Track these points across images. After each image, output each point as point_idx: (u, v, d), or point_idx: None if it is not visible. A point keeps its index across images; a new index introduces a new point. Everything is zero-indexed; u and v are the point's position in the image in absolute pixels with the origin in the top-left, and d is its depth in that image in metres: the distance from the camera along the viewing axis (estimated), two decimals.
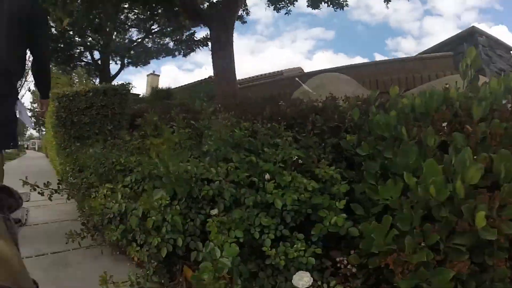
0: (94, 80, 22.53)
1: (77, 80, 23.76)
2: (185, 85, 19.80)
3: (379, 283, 1.56)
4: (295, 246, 1.61)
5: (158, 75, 27.25)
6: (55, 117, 5.47)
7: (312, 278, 1.51)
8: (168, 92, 13.31)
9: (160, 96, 12.10)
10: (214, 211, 1.90)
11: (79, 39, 13.99)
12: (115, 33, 14.68)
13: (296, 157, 1.98)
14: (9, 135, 2.42)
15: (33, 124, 4.55)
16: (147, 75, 26.21)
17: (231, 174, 1.95)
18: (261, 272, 1.69)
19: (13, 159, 15.83)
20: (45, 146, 16.15)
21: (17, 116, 2.50)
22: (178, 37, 13.98)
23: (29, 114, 3.02)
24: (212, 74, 17.97)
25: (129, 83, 6.33)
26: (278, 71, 18.69)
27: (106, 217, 2.50)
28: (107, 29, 13.61)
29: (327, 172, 1.83)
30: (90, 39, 14.35)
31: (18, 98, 2.51)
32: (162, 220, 1.93)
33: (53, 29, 11.33)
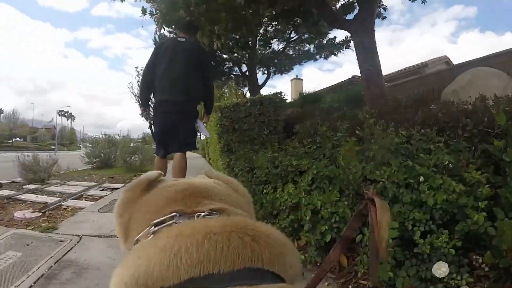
0: (242, 90, 24.67)
1: (226, 91, 26.35)
2: (328, 87, 20.15)
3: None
4: (439, 238, 1.82)
5: (301, 79, 28.31)
6: (219, 125, 6.37)
7: (449, 270, 1.72)
8: (315, 96, 13.84)
9: (307, 101, 12.68)
10: None
11: (227, 56, 15.62)
12: (257, 46, 15.86)
13: (447, 162, 2.17)
14: (192, 142, 4.10)
15: (208, 133, 5.59)
16: (291, 80, 27.47)
17: (392, 176, 2.26)
18: (407, 261, 1.94)
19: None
20: (202, 149, 19.10)
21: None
22: (318, 42, 14.47)
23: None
24: (355, 74, 18.16)
25: (281, 92, 6.94)
26: (422, 63, 17.59)
27: (278, 209, 3.08)
28: (250, 44, 14.82)
29: (474, 177, 1.96)
30: (235, 55, 15.82)
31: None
32: (331, 212, 2.38)
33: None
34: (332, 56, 15.03)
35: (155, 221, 0.63)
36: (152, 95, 4.19)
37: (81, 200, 5.02)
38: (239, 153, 5.06)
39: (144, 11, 8.79)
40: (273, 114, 6.34)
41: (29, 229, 3.37)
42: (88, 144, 12.39)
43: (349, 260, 2.36)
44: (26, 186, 6.09)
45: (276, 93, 6.74)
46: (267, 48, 16.48)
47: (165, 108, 3.86)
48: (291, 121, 6.89)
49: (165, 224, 0.62)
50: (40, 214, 3.98)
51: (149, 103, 4.26)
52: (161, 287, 0.50)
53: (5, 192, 5.30)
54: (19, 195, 5.07)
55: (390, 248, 1.93)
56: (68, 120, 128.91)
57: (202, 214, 0.64)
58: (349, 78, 18.71)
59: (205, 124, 4.34)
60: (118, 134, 12.47)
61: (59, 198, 4.81)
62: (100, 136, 11.95)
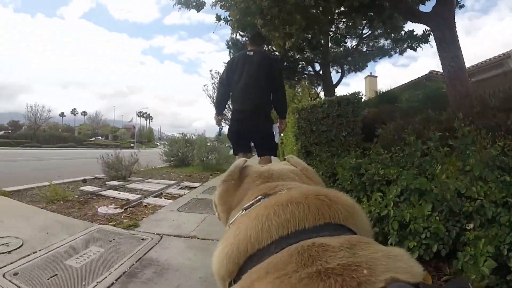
0: (316, 89, 24.28)
1: (299, 90, 26.10)
2: (405, 83, 19.37)
3: None
4: None
5: (376, 76, 27.28)
6: (296, 127, 6.30)
7: None
8: (391, 94, 13.16)
9: (383, 100, 12.07)
10: (470, 226, 2.00)
11: (299, 56, 15.36)
12: (329, 44, 15.39)
13: None
14: (272, 147, 4.23)
15: (278, 139, 5.63)
16: (365, 78, 26.56)
17: (490, 193, 2.00)
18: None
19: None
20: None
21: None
22: (394, 36, 13.62)
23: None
24: (432, 69, 17.07)
25: (359, 92, 6.63)
26: (504, 54, 15.72)
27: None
28: (322, 42, 14.41)
29: None
30: (307, 54, 15.51)
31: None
32: (423, 227, 2.12)
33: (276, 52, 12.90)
34: (408, 50, 14.17)
35: (245, 205, 0.75)
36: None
37: (161, 198, 5.10)
38: (320, 157, 4.77)
39: (218, 18, 8.91)
40: (351, 115, 6.15)
41: (111, 225, 3.44)
42: (165, 143, 12.83)
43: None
44: (108, 182, 6.38)
45: (354, 93, 6.46)
46: (340, 46, 15.92)
47: (237, 116, 4.24)
48: (368, 122, 6.66)
49: (253, 206, 0.73)
50: (122, 210, 4.08)
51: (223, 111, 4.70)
52: (258, 248, 0.60)
53: (89, 188, 5.56)
54: (102, 191, 5.28)
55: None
56: (146, 120, 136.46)
57: (283, 192, 0.73)
58: (426, 74, 17.91)
59: (277, 130, 4.39)
60: (194, 133, 12.80)
61: (140, 196, 4.92)
62: (178, 135, 12.33)
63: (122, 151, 7.36)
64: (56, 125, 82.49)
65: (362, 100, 13.20)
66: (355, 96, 6.41)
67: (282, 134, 5.57)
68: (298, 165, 1.00)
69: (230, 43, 16.48)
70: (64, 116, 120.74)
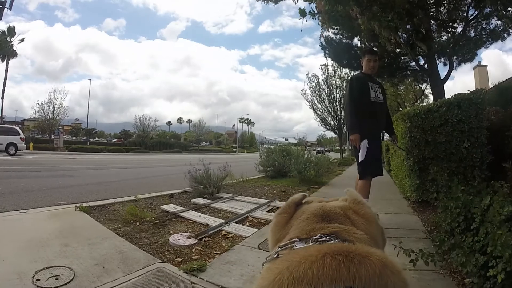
0: (420, 86, 22.10)
1: (402, 88, 24.06)
2: None
3: None
4: None
5: (486, 66, 23.83)
6: (408, 138, 5.16)
7: None
8: None
9: (507, 95, 10.06)
10: None
11: (400, 51, 13.78)
12: (433, 34, 13.49)
13: None
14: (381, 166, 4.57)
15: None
16: (473, 68, 23.25)
17: None
18: None
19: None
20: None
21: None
22: (508, 12, 11.16)
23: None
24: None
25: (483, 89, 5.30)
26: None
27: None
28: (424, 32, 12.60)
29: None
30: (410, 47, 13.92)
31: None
32: None
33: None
34: None
35: (281, 244, 0.78)
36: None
37: (245, 224, 4.49)
38: (452, 194, 3.50)
39: (302, 13, 7.82)
40: (474, 121, 4.84)
41: (176, 262, 2.94)
42: (262, 150, 12.38)
43: None
44: (194, 200, 5.98)
45: (478, 91, 5.15)
46: (448, 32, 13.82)
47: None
48: (493, 128, 5.12)
49: (286, 247, 0.75)
50: (196, 241, 3.54)
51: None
52: None
53: (170, 207, 5.20)
54: (183, 212, 4.85)
55: None
56: (248, 125, 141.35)
57: (314, 238, 0.74)
58: None
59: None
60: (295, 137, 12.21)
61: (220, 221, 4.33)
62: (279, 140, 11.83)
63: (211, 166, 6.88)
64: (163, 133, 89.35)
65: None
66: (479, 94, 5.03)
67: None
68: (349, 197, 0.96)
69: (323, 43, 15.53)
70: (171, 124, 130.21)
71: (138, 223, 4.13)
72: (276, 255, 0.74)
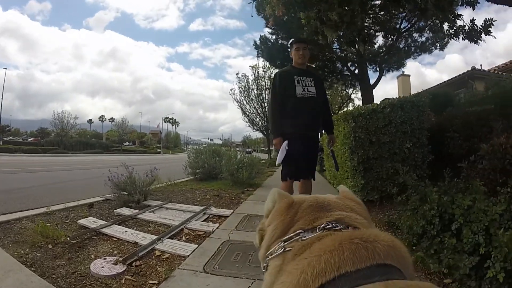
0: (347, 91, 22.87)
1: (328, 92, 24.70)
2: (443, 82, 18.19)
3: None
4: None
5: (409, 76, 25.57)
6: (353, 138, 5.11)
7: None
8: (446, 94, 11.53)
9: (436, 101, 10.53)
10: None
11: (339, 54, 14.10)
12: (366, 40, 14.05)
13: None
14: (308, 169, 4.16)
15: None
16: (397, 77, 24.89)
17: None
18: None
19: None
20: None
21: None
22: (447, 28, 11.89)
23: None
24: (474, 65, 15.70)
25: (422, 91, 5.41)
26: None
27: None
28: (357, 39, 12.99)
29: None
30: (342, 53, 14.30)
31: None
32: None
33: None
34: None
35: (285, 238, 0.75)
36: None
37: (180, 238, 3.85)
38: (419, 190, 3.40)
39: None
40: (416, 122, 5.08)
41: None
42: (190, 151, 11.73)
43: None
44: (117, 210, 5.15)
45: (419, 94, 5.30)
46: (373, 42, 14.47)
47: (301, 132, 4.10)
48: (434, 129, 5.51)
49: (292, 240, 0.73)
50: (124, 267, 2.82)
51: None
52: None
53: (90, 221, 4.34)
54: (104, 227, 4.05)
55: None
56: (172, 125, 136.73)
57: (321, 226, 0.73)
58: (468, 71, 16.68)
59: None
60: (220, 138, 11.74)
61: (151, 238, 3.64)
62: (204, 141, 11.25)
63: (135, 169, 6.06)
64: (84, 132, 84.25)
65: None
66: (420, 97, 5.33)
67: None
68: (341, 189, 0.97)
69: (257, 42, 15.29)
70: (92, 122, 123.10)
71: (50, 246, 3.30)
72: (282, 249, 0.73)
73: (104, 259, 2.99)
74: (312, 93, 4.06)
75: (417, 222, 3.01)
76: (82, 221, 4.30)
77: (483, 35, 6.71)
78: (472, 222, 2.32)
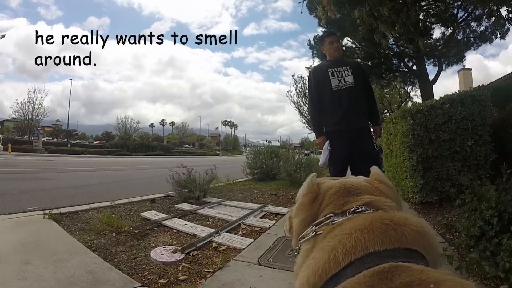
0: (406, 88, 22.07)
1: (387, 91, 23.98)
2: (508, 74, 16.35)
3: None
4: None
5: (470, 69, 24.02)
6: (411, 136, 4.89)
7: None
8: (508, 88, 10.78)
9: (500, 96, 9.94)
10: None
11: (395, 49, 13.60)
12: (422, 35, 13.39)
13: None
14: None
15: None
16: (458, 72, 23.43)
17: None
18: None
19: None
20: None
21: None
22: (499, 14, 11.00)
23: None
24: None
25: (483, 85, 5.11)
26: None
27: None
28: (414, 33, 12.46)
29: None
30: (397, 49, 13.77)
31: None
32: None
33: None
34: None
35: (316, 222, 0.78)
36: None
37: (237, 233, 3.99)
38: (476, 189, 3.23)
39: None
40: (478, 118, 4.69)
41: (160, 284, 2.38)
42: (249, 151, 11.96)
43: None
44: (178, 205, 5.45)
45: (480, 88, 5.02)
46: (430, 36, 13.74)
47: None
48: (496, 125, 5.04)
49: (323, 223, 0.76)
50: (182, 256, 3.01)
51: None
52: (327, 279, 0.63)
53: (152, 214, 4.65)
54: (166, 219, 4.32)
55: None
56: (231, 128, 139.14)
57: (351, 210, 0.75)
58: None
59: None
60: (278, 140, 11.81)
61: (210, 231, 3.84)
62: (262, 143, 11.41)
63: (195, 169, 6.33)
64: (146, 135, 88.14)
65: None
66: (482, 91, 4.91)
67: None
68: (373, 170, 0.96)
69: (312, 42, 15.19)
70: (154, 126, 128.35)
71: (114, 234, 3.60)
72: (313, 233, 0.76)
73: (164, 247, 3.21)
74: (349, 83, 3.74)
75: (474, 223, 2.82)
76: (145, 214, 4.62)
77: None
78: None
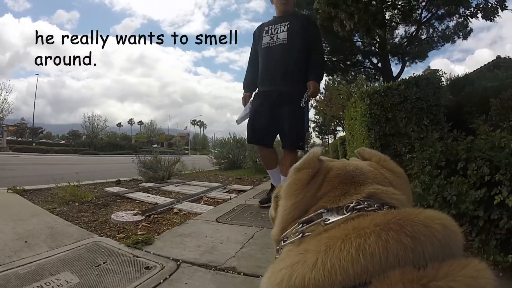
0: (371, 84, 22.63)
1: (352, 86, 24.51)
2: (468, 73, 17.25)
3: None
4: None
5: (436, 70, 25.04)
6: (369, 115, 5.14)
7: None
8: (468, 80, 11.36)
9: (458, 88, 10.47)
10: None
11: (360, 46, 14.02)
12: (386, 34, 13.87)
13: None
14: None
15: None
16: (423, 72, 24.44)
17: None
18: None
19: None
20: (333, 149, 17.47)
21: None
22: (461, 12, 11.43)
23: None
24: (499, 54, 15.11)
25: (440, 70, 5.45)
26: None
27: None
28: (377, 31, 12.88)
29: None
30: (363, 46, 14.19)
31: None
32: None
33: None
34: (463, 43, 12.28)
35: (304, 218, 0.60)
36: None
37: (199, 203, 4.05)
38: (422, 141, 3.38)
39: None
40: (432, 99, 5.03)
41: (115, 239, 2.41)
42: (216, 147, 12.10)
43: None
44: (143, 184, 5.47)
45: (434, 71, 5.32)
46: (394, 33, 14.43)
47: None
48: (450, 112, 5.41)
49: (312, 223, 0.57)
50: (143, 217, 3.05)
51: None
52: None
53: (115, 189, 4.67)
54: (129, 193, 4.34)
55: None
56: (200, 128, 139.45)
57: (350, 206, 0.56)
58: (493, 60, 15.63)
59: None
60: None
61: (172, 200, 3.90)
62: (228, 137, 11.52)
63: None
64: (113, 134, 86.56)
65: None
66: (435, 75, 5.29)
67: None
68: (373, 156, 0.74)
69: None
70: (121, 126, 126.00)
71: (77, 204, 3.58)
72: (300, 235, 0.57)
73: (125, 211, 3.25)
74: (281, 40, 3.41)
75: (423, 170, 2.85)
76: (109, 189, 4.66)
77: (499, 10, 6.58)
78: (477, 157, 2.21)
